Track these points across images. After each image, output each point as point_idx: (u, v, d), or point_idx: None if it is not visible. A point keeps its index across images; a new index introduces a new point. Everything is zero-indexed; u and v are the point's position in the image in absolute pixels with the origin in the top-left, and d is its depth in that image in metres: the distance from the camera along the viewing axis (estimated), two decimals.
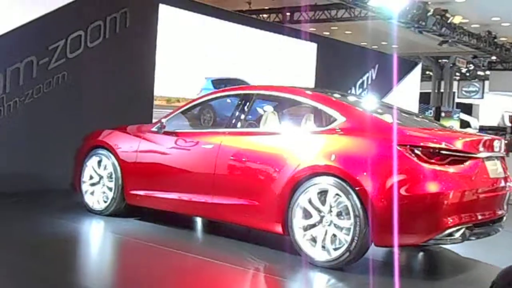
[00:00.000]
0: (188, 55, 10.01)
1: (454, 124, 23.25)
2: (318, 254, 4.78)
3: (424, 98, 23.88)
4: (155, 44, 9.39)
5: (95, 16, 8.46)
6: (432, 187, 4.44)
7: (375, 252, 4.96)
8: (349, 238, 4.58)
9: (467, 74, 27.79)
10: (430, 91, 25.52)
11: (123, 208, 6.27)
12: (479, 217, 4.70)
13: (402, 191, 4.45)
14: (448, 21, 13.23)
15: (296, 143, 5.18)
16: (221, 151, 5.54)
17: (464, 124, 24.45)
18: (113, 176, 6.25)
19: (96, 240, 5.95)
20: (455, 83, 26.66)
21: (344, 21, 13.79)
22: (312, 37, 12.60)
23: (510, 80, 22.38)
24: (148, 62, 9.29)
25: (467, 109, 30.02)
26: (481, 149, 4.79)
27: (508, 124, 31.26)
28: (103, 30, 8.54)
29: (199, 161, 5.75)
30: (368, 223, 4.50)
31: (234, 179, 5.47)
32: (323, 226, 4.76)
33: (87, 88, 8.44)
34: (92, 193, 6.46)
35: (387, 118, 5.26)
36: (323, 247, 4.74)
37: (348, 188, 4.62)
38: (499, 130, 24.05)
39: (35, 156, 7.84)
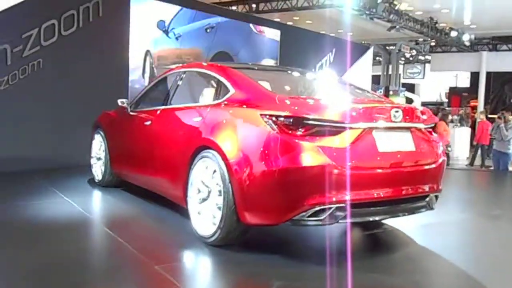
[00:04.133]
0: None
1: (400, 100, 22.78)
2: (201, 229, 3.87)
3: (375, 80, 23.36)
4: (128, 32, 8.23)
5: (68, 6, 7.35)
6: (291, 161, 3.29)
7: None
8: (220, 215, 3.64)
9: (411, 58, 27.22)
10: (380, 74, 25.05)
11: (115, 181, 5.84)
12: (363, 196, 3.36)
13: (260, 166, 3.38)
14: (396, 8, 12.32)
15: (194, 117, 4.22)
16: (153, 128, 4.89)
17: (408, 101, 24.00)
18: (104, 152, 5.91)
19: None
20: (400, 67, 26.18)
21: (303, 10, 12.78)
22: (275, 25, 11.52)
23: (448, 61, 21.90)
24: (122, 49, 8.14)
25: (411, 88, 29.63)
26: (364, 119, 3.46)
27: (445, 99, 30.96)
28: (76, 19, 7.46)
29: (143, 137, 5.07)
30: (235, 200, 3.57)
31: (157, 155, 4.71)
32: (210, 202, 3.81)
33: (62, 73, 7.32)
34: (95, 167, 6.18)
35: (281, 89, 4.25)
36: (212, 223, 3.79)
37: (220, 162, 3.64)
38: (437, 105, 23.57)
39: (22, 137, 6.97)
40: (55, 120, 7.38)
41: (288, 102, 3.60)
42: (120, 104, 5.69)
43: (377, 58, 25.09)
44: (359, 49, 14.94)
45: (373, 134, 3.51)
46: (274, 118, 3.41)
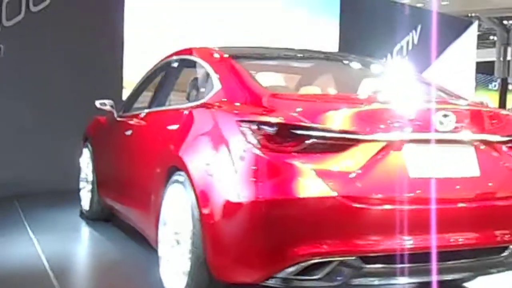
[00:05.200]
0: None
1: None
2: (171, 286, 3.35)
3: (487, 68, 22.11)
4: (123, 7, 7.64)
5: None
6: (271, 190, 2.89)
7: None
8: (188, 267, 3.13)
9: None
10: (494, 59, 23.98)
11: (104, 212, 5.46)
12: (383, 246, 2.92)
13: (229, 195, 2.97)
14: None
15: (170, 125, 3.87)
16: (132, 140, 4.56)
17: None
18: (92, 173, 5.43)
19: None
20: None
21: None
22: None
23: None
24: (114, 24, 7.71)
25: None
26: (388, 127, 2.97)
27: None
28: None
29: (123, 153, 4.82)
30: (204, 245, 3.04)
31: (134, 177, 4.49)
32: (181, 246, 3.41)
33: (31, 63, 7.00)
34: (83, 192, 5.66)
35: (301, 85, 3.97)
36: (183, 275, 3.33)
37: (189, 190, 3.20)
38: None
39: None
40: (28, 129, 6.88)
41: (280, 103, 3.14)
42: (99, 106, 5.09)
43: (490, 37, 24.16)
44: (457, 25, 13.25)
45: (404, 150, 2.94)
46: (254, 127, 2.96)
